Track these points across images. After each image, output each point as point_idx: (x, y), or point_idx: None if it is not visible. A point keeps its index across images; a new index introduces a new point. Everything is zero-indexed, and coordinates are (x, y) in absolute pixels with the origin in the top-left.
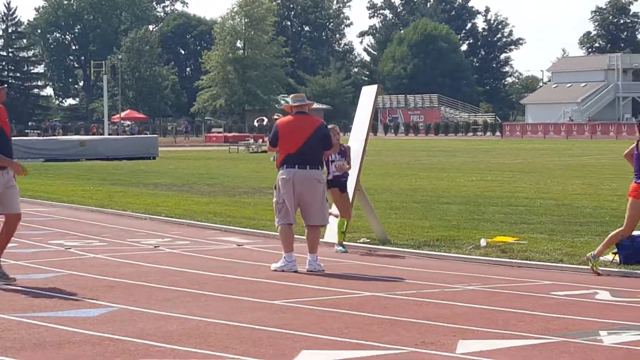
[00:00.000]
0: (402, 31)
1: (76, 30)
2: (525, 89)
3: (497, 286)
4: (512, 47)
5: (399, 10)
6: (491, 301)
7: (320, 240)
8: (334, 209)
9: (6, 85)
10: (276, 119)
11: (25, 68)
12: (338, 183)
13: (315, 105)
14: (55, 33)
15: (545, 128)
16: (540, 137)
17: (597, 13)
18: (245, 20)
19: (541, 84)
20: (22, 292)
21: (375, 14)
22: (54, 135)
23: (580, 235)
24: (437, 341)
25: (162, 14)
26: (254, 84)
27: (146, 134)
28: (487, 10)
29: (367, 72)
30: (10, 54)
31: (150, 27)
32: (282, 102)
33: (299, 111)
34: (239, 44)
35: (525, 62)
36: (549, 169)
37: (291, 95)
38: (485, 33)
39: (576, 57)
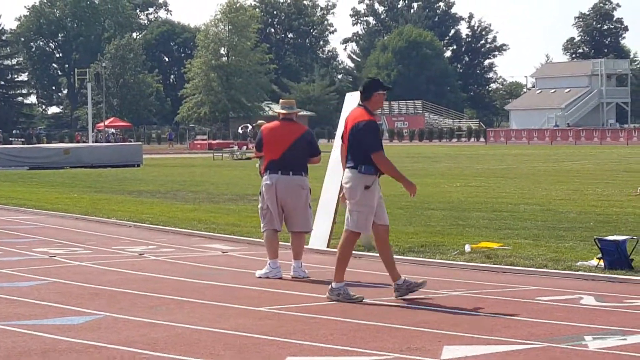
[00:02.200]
0: (385, 38)
1: (59, 38)
2: (509, 95)
3: (481, 292)
4: (496, 53)
5: (382, 17)
6: (476, 307)
7: (305, 246)
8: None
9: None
10: (259, 125)
11: (9, 76)
12: None
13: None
14: (38, 41)
15: (529, 134)
16: (524, 142)
17: (581, 19)
18: (229, 27)
19: (525, 89)
20: (7, 301)
21: (359, 21)
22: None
23: (564, 241)
24: (422, 347)
25: (145, 21)
26: (238, 91)
27: (130, 141)
28: (471, 16)
29: (351, 79)
30: None
31: (134, 34)
32: (267, 108)
33: (285, 117)
34: (222, 51)
35: (509, 68)
36: (533, 174)
37: (280, 101)
38: (469, 39)
39: (560, 62)
